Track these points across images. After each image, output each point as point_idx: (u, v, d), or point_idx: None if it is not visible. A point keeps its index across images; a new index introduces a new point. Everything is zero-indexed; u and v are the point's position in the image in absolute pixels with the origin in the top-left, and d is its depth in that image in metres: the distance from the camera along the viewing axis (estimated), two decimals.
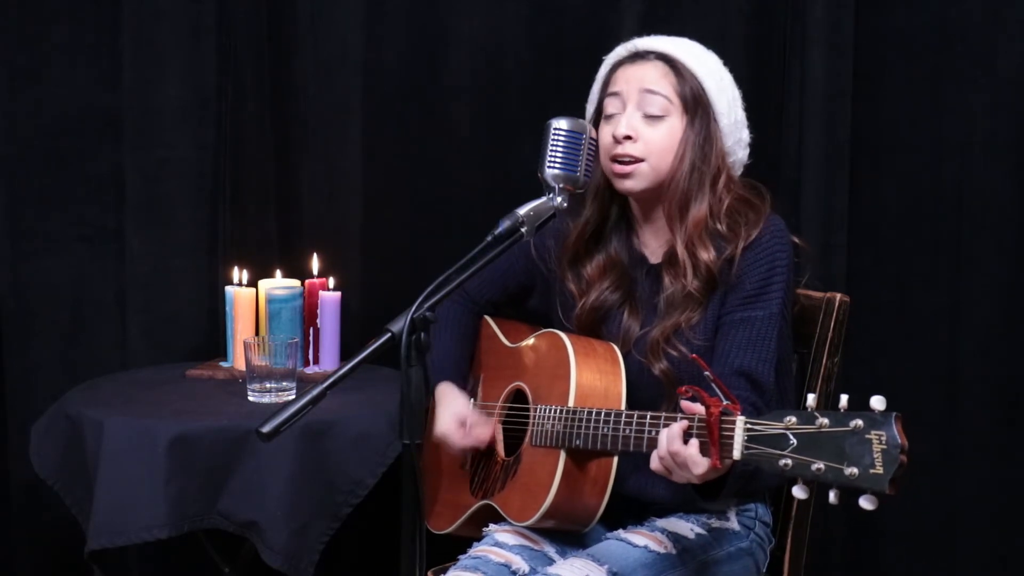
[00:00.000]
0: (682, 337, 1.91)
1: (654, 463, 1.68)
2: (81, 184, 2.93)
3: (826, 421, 1.45)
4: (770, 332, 1.89)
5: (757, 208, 1.94)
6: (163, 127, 2.86)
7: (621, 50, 2.00)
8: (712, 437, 1.57)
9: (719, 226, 1.92)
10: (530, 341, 2.07)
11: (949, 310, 2.73)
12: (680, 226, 1.93)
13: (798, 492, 1.48)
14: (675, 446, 1.63)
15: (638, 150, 1.92)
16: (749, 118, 2.01)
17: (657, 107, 1.93)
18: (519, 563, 1.89)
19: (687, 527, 1.93)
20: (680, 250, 1.92)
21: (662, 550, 1.88)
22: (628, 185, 1.95)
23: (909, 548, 2.79)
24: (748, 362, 1.87)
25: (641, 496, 1.95)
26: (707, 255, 1.90)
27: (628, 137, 1.92)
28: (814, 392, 2.03)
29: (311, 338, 2.66)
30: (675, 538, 1.90)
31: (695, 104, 1.93)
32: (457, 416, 2.04)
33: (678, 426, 1.65)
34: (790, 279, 1.94)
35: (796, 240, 1.95)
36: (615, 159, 1.94)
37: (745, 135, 2.00)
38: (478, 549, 1.95)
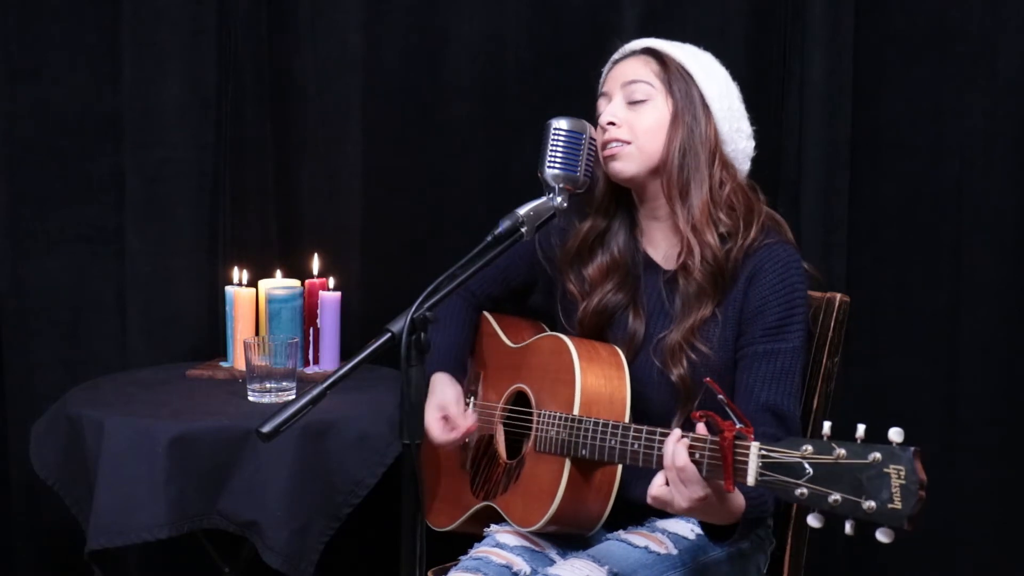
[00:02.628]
0: (699, 339, 1.89)
1: (653, 490, 1.65)
2: (81, 184, 2.93)
3: (843, 452, 1.43)
4: (794, 366, 1.87)
5: (752, 206, 1.94)
6: (163, 127, 2.86)
7: (616, 54, 2.02)
8: (725, 462, 1.55)
9: (720, 214, 1.91)
10: (532, 343, 2.06)
11: (949, 310, 2.73)
12: (682, 207, 1.92)
13: (813, 521, 1.46)
14: (681, 461, 1.62)
15: (623, 133, 1.93)
16: (749, 117, 2.01)
17: (640, 93, 1.94)
18: (520, 564, 1.89)
19: (687, 528, 1.92)
20: (684, 228, 1.91)
21: (662, 551, 1.88)
22: (617, 167, 1.94)
23: (909, 548, 2.78)
24: (774, 397, 1.85)
25: (645, 502, 1.95)
26: (712, 239, 1.89)
27: (612, 123, 1.93)
28: (814, 392, 2.03)
29: (311, 338, 2.66)
30: (675, 539, 1.90)
31: (680, 86, 1.93)
32: (439, 407, 2.04)
33: (683, 443, 1.63)
34: (809, 311, 1.93)
35: (806, 267, 1.93)
36: (603, 146, 1.94)
37: (745, 126, 1.99)
38: (479, 550, 1.95)
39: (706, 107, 1.93)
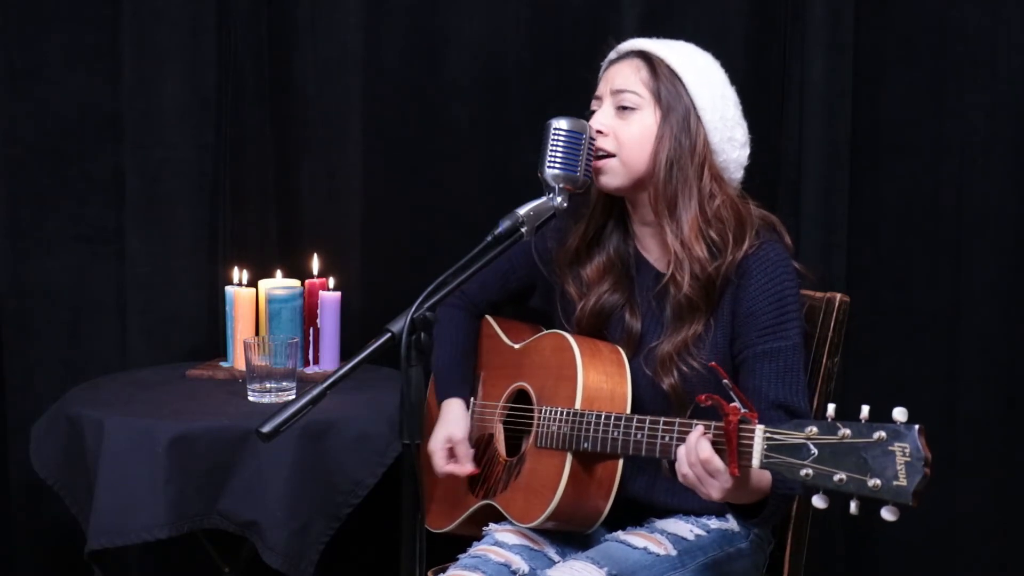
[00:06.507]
0: (691, 352, 1.89)
1: (683, 475, 1.65)
2: (81, 184, 2.92)
3: (848, 432, 1.44)
4: (797, 363, 1.86)
5: (743, 220, 1.90)
6: (163, 127, 2.86)
7: (612, 54, 2.00)
8: (730, 445, 1.56)
9: (711, 231, 1.89)
10: (533, 341, 2.06)
11: (949, 310, 2.73)
12: (671, 221, 1.90)
13: (818, 502, 1.47)
14: (705, 452, 1.61)
15: (610, 144, 1.91)
16: (749, 118, 1.98)
17: (628, 101, 1.91)
18: (519, 563, 1.89)
19: (687, 528, 1.92)
20: (673, 243, 1.89)
21: (662, 552, 1.87)
22: (603, 182, 1.93)
23: (909, 548, 2.78)
24: (783, 394, 1.84)
25: (644, 499, 1.95)
26: (701, 253, 1.87)
27: (600, 132, 1.92)
28: (814, 392, 2.03)
29: (311, 338, 2.66)
30: (675, 539, 1.90)
31: (670, 97, 1.90)
32: (448, 439, 2.06)
33: (697, 433, 1.62)
34: (802, 308, 1.92)
35: (797, 266, 1.92)
36: (594, 154, 1.93)
37: (739, 135, 1.95)
38: (478, 548, 1.95)
39: (697, 117, 1.90)
